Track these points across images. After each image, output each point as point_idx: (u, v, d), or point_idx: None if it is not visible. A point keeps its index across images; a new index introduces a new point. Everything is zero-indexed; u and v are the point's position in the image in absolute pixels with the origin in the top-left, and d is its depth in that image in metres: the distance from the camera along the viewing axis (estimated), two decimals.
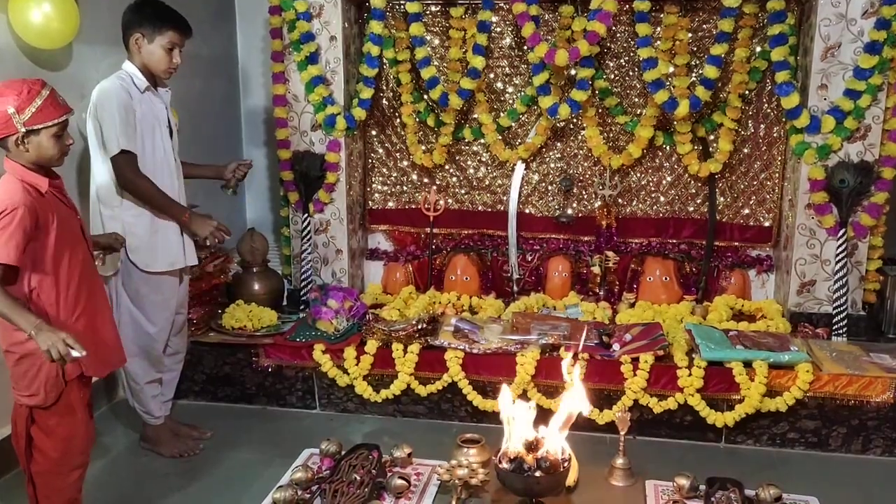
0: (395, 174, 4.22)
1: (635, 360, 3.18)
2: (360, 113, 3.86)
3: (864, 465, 3.08)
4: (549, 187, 4.08)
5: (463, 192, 4.17)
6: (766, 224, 3.91)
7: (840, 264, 3.51)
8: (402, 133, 4.11)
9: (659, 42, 3.71)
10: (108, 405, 3.49)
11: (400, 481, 2.58)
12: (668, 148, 3.93)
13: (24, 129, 2.11)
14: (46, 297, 2.18)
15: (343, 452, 2.79)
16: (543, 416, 2.67)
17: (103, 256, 2.66)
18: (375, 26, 3.76)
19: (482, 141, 4.06)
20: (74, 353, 2.05)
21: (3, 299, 2.05)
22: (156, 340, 3.00)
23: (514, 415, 2.50)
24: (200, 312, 3.60)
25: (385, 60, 3.97)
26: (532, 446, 2.45)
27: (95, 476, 2.62)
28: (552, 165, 4.06)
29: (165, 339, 3.05)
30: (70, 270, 2.23)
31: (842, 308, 3.52)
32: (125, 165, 2.74)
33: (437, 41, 4.01)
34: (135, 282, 2.90)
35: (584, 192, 4.05)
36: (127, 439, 3.23)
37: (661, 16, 3.70)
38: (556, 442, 2.45)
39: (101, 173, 2.83)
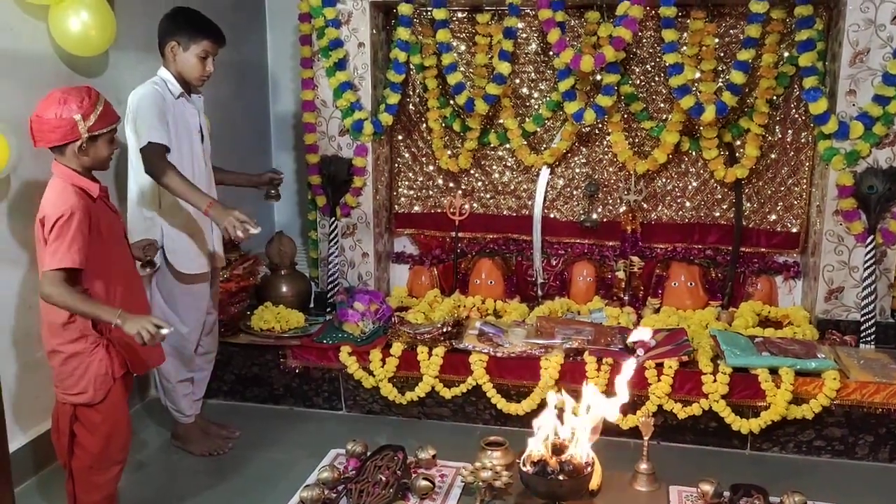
0: (420, 178, 4.26)
1: (660, 366, 3.19)
2: (386, 118, 3.90)
3: (892, 474, 3.05)
4: (574, 192, 4.09)
5: (488, 196, 4.20)
6: (794, 230, 3.88)
7: (868, 271, 3.48)
8: (429, 138, 4.15)
9: (685, 47, 3.71)
10: (141, 403, 3.57)
11: (424, 482, 2.61)
12: (693, 153, 3.92)
13: (87, 135, 2.20)
14: (97, 298, 2.26)
15: (369, 453, 2.82)
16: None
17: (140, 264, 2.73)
18: (403, 33, 3.80)
19: (507, 146, 4.08)
20: (164, 331, 2.17)
21: (79, 298, 2.16)
22: (188, 340, 3.07)
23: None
24: (230, 314, 3.67)
25: (412, 66, 4.00)
26: (557, 449, 2.47)
27: (128, 473, 2.67)
28: (577, 170, 4.07)
29: (197, 339, 3.12)
30: (116, 272, 2.32)
31: (870, 315, 3.48)
32: (152, 154, 2.75)
33: (463, 47, 4.04)
34: (168, 283, 2.97)
35: (609, 197, 4.06)
36: (159, 437, 3.31)
37: (688, 21, 3.69)
38: (581, 446, 2.46)
39: (141, 178, 2.89)
